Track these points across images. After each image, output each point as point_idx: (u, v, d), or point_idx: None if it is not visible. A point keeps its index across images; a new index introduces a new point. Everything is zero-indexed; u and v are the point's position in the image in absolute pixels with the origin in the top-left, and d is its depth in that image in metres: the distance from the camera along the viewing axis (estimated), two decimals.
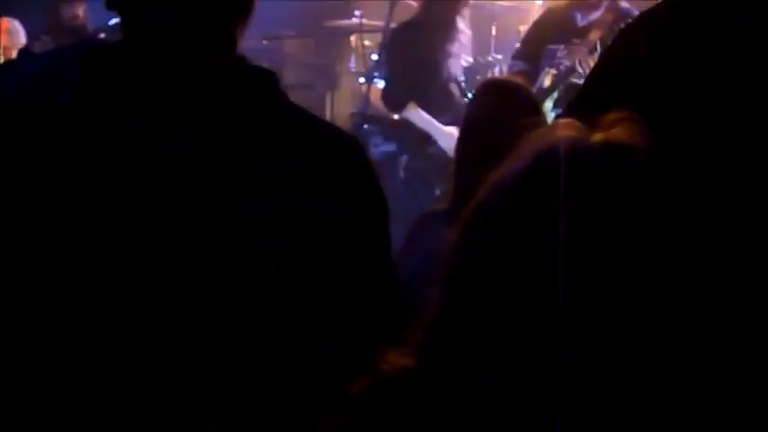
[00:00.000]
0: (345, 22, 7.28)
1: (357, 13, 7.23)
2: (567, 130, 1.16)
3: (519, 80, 3.44)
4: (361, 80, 6.85)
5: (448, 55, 5.56)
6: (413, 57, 5.50)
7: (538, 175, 1.12)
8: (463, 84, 5.65)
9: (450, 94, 5.57)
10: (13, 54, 6.88)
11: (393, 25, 5.92)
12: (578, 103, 1.81)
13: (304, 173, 1.42)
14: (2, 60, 6.71)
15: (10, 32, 6.82)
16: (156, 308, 1.37)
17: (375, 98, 5.97)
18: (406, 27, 5.71)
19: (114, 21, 6.29)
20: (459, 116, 3.99)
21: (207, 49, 1.46)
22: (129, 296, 1.37)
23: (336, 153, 1.48)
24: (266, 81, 1.49)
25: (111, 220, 1.36)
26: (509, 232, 1.12)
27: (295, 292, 1.39)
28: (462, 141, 3.07)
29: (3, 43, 6.84)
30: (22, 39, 6.95)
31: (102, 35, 6.07)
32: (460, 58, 5.71)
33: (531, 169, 1.13)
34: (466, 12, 5.69)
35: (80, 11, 6.46)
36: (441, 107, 5.48)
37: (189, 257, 1.37)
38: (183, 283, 1.37)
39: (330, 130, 1.54)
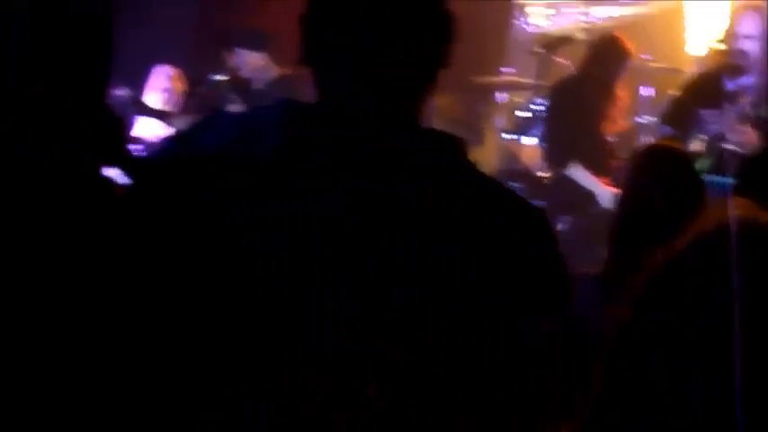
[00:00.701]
0: (494, 78, 7.27)
1: (505, 69, 7.22)
2: (743, 209, 1.15)
3: (678, 146, 3.38)
4: (508, 137, 6.83)
5: (605, 115, 5.52)
6: (574, 115, 5.48)
7: (715, 253, 1.11)
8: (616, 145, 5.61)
9: (608, 155, 5.53)
10: (173, 95, 7.09)
11: (542, 83, 5.90)
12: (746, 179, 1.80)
13: (492, 237, 1.43)
14: (159, 101, 6.94)
15: (168, 75, 7.02)
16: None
17: (522, 155, 5.93)
18: (567, 85, 5.70)
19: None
20: (616, 178, 3.94)
21: (399, 111, 1.50)
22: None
23: (525, 222, 1.48)
24: (455, 146, 1.51)
25: (310, 271, 1.41)
26: (688, 308, 1.11)
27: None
28: (622, 206, 3.03)
29: (164, 85, 7.03)
30: (176, 83, 7.14)
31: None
32: (617, 119, 5.67)
33: (708, 248, 1.12)
34: (623, 73, 5.65)
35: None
36: (600, 167, 5.43)
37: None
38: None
39: (518, 198, 1.55)
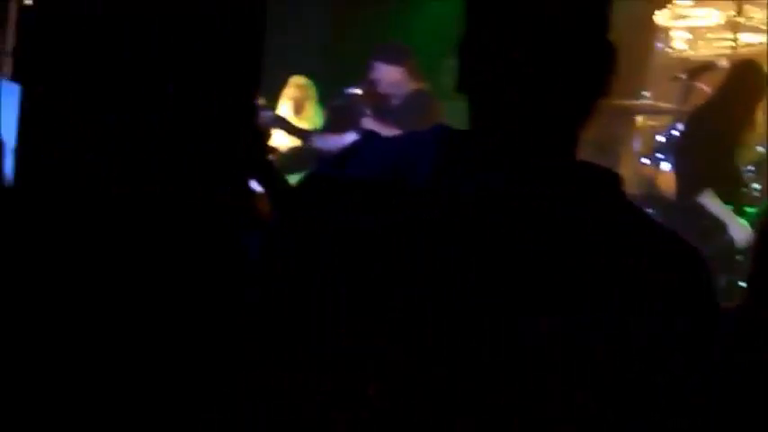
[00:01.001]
0: (634, 102, 7.18)
1: (645, 93, 7.13)
2: None
3: None
4: (645, 161, 6.73)
5: (742, 143, 5.42)
6: (711, 143, 5.39)
7: None
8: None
9: (742, 184, 5.42)
10: (307, 107, 7.19)
11: (683, 108, 5.81)
12: None
13: (647, 281, 1.38)
14: (292, 113, 7.04)
15: (301, 87, 7.13)
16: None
17: (659, 180, 5.84)
18: (705, 112, 5.61)
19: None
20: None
21: (556, 144, 1.46)
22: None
23: (683, 266, 1.41)
24: (614, 182, 1.46)
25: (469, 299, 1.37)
26: None
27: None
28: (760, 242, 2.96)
29: (296, 96, 7.14)
30: (310, 95, 7.24)
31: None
32: (753, 146, 5.57)
33: None
34: (762, 102, 5.54)
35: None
36: (731, 195, 5.32)
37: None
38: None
39: (678, 240, 1.47)
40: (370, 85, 6.41)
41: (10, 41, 8.20)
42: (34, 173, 1.85)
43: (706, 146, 5.44)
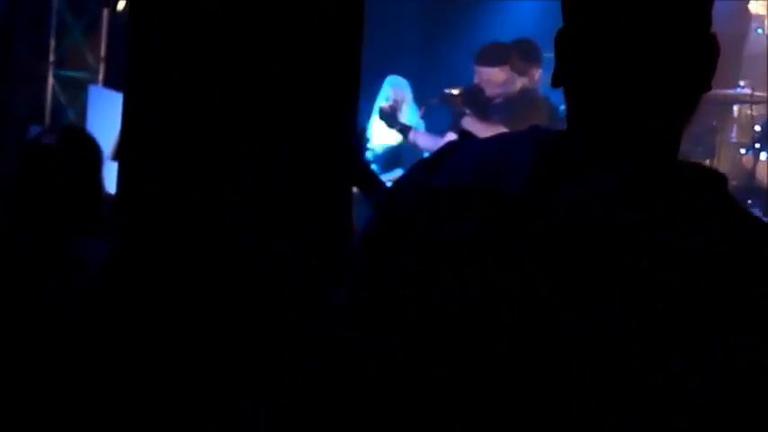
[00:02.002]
0: (729, 91, 7.07)
1: (742, 82, 7.01)
2: None
3: None
4: (743, 151, 6.62)
5: None
6: None
7: None
8: None
9: None
10: (403, 107, 7.22)
11: None
12: None
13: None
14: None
15: (397, 86, 7.16)
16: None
17: (758, 171, 5.74)
18: None
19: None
20: None
21: (660, 144, 1.41)
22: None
23: None
24: (720, 184, 1.40)
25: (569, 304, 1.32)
26: None
27: None
28: None
29: (393, 95, 7.18)
30: (406, 94, 7.26)
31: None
32: None
33: None
34: None
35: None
36: None
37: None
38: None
39: None
40: (476, 90, 6.37)
41: (103, 48, 8.37)
42: (136, 180, 1.88)
43: None
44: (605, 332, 1.29)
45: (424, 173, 1.49)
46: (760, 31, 7.47)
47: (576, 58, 1.43)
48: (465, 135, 1.53)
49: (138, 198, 1.84)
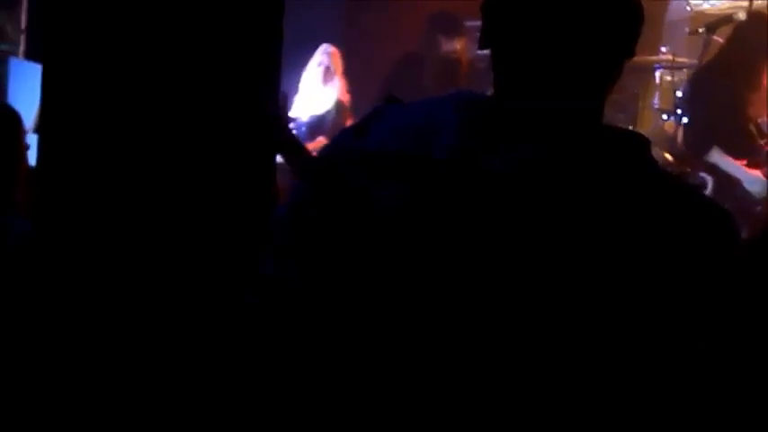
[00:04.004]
0: (652, 57, 7.14)
1: (664, 48, 7.09)
2: None
3: None
4: (665, 117, 6.70)
5: (747, 101, 5.38)
6: (712, 100, 5.36)
7: None
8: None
9: (751, 140, 5.40)
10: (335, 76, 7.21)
11: (702, 63, 5.79)
12: None
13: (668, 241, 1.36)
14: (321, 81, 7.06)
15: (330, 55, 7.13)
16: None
17: (679, 136, 5.83)
18: (706, 70, 5.58)
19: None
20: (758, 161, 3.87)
21: (584, 110, 1.44)
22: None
23: (710, 226, 1.40)
24: (642, 147, 1.44)
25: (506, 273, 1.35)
26: None
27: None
28: None
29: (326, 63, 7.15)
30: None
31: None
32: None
33: None
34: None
35: (458, 45, 6.66)
36: (742, 152, 5.31)
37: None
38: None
39: (706, 201, 1.45)
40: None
41: (23, 20, 8.22)
42: (57, 154, 1.85)
43: (703, 104, 5.42)
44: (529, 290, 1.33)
45: (351, 138, 1.50)
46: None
47: (500, 24, 1.44)
48: (392, 100, 1.53)
49: (56, 173, 1.81)
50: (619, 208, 1.35)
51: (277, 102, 1.97)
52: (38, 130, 1.95)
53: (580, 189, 1.35)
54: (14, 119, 3.02)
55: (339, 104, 7.06)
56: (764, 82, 5.48)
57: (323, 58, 7.18)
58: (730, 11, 6.58)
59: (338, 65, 7.21)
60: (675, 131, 5.89)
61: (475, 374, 1.33)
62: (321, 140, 6.84)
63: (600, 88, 1.45)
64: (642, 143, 1.43)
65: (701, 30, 6.25)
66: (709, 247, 1.37)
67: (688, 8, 7.42)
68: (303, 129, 7.04)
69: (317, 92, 7.11)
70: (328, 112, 7.06)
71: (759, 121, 5.51)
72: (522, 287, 1.33)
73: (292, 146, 3.10)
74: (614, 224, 1.34)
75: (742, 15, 6.13)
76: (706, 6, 7.29)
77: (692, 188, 1.46)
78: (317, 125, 7.11)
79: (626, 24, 1.45)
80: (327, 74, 7.14)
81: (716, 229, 1.39)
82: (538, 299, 1.32)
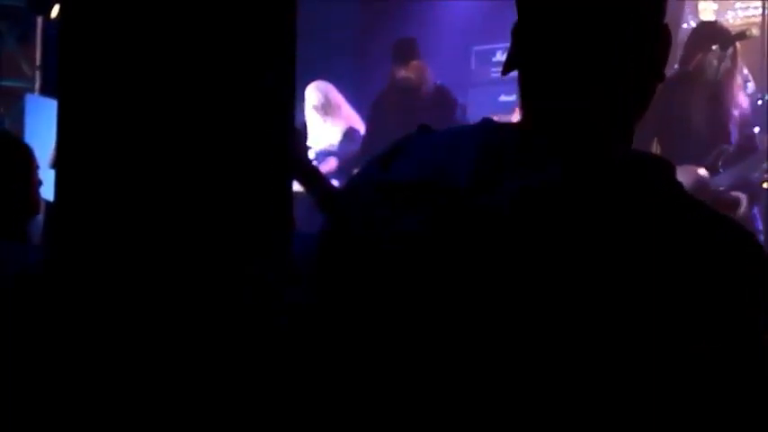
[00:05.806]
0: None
1: (676, 66, 7.10)
2: None
3: None
4: None
5: (708, 118, 5.45)
6: (666, 113, 5.51)
7: None
8: None
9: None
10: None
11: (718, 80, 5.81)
12: None
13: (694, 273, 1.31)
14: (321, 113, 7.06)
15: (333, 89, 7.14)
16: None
17: None
18: (667, 82, 5.65)
19: None
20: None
21: (605, 136, 1.41)
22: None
23: (738, 258, 1.33)
24: (665, 172, 1.39)
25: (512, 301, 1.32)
26: None
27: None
28: None
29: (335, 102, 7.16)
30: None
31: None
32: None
33: None
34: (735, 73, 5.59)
35: (411, 73, 6.71)
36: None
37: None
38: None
39: (736, 230, 1.38)
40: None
41: (38, 56, 8.27)
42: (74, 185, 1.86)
43: (662, 116, 5.50)
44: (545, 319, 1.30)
45: (377, 168, 1.49)
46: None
47: (529, 47, 1.43)
48: (424, 129, 1.52)
49: (73, 206, 1.82)
50: (642, 237, 1.31)
51: (294, 129, 1.97)
52: (54, 165, 1.96)
53: (600, 217, 1.32)
54: (25, 150, 3.06)
55: (349, 133, 7.10)
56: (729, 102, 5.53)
57: (316, 96, 7.21)
58: (743, 27, 6.59)
59: (335, 96, 7.23)
60: None
61: (487, 402, 1.32)
62: (332, 161, 6.87)
63: (629, 113, 1.44)
64: (669, 168, 1.39)
65: (714, 47, 6.25)
66: (741, 289, 1.32)
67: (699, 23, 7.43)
68: (318, 159, 7.08)
69: (323, 129, 7.14)
70: (340, 142, 7.08)
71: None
72: (542, 319, 1.30)
73: (313, 175, 3.11)
74: (636, 256, 1.30)
75: (755, 31, 6.13)
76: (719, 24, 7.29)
77: (722, 220, 1.38)
78: (331, 155, 7.14)
79: (655, 48, 1.43)
80: (327, 109, 7.17)
81: (746, 269, 1.33)
82: (559, 332, 1.29)
